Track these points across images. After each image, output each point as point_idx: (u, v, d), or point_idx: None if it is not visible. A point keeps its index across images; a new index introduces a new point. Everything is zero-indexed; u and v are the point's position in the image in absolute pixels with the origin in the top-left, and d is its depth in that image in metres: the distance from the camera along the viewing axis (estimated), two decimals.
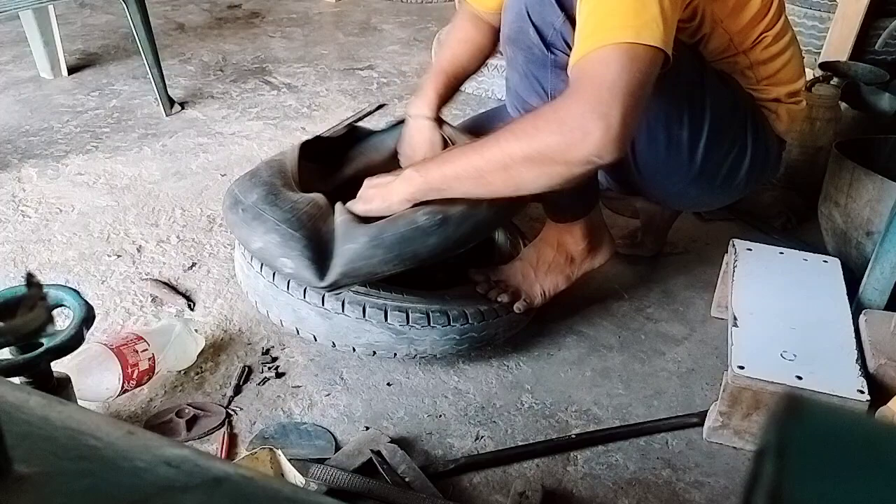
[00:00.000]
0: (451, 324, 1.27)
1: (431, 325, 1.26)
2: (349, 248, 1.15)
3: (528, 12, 1.18)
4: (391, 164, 1.57)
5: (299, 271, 1.16)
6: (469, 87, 2.55)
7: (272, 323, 1.37)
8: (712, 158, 1.32)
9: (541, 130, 1.03)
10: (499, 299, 1.34)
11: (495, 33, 1.43)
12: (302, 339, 1.35)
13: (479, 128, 1.58)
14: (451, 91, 1.44)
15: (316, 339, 1.31)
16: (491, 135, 1.10)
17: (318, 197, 1.27)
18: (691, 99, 1.26)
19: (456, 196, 1.15)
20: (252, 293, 1.36)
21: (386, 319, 1.25)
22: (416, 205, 1.18)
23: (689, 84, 1.25)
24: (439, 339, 1.28)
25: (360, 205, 1.22)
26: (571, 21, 1.13)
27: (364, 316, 1.24)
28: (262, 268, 1.29)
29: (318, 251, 1.17)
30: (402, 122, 1.53)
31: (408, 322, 1.25)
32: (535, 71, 1.22)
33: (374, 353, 1.30)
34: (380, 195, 1.20)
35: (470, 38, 1.45)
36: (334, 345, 1.30)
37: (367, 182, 1.25)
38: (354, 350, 1.30)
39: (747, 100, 1.35)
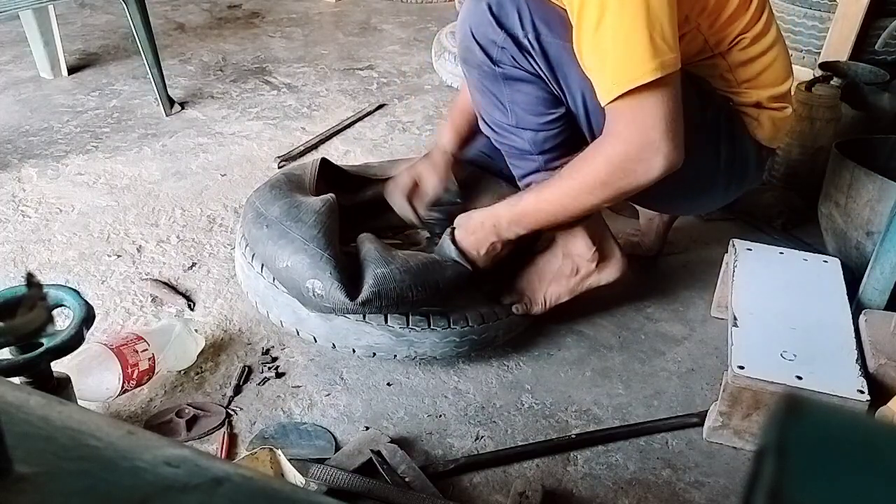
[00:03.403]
0: (451, 326, 1.27)
1: (431, 327, 1.26)
2: (381, 271, 1.20)
3: (472, 32, 1.22)
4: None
5: (331, 292, 1.18)
6: None
7: (272, 323, 1.37)
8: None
9: (609, 178, 1.14)
10: (505, 301, 1.36)
11: None
12: (302, 339, 1.35)
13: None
14: (469, 129, 1.49)
15: (316, 341, 1.31)
16: (559, 176, 1.20)
17: (331, 199, 1.31)
18: None
19: (534, 226, 1.26)
20: (252, 294, 1.36)
21: (386, 322, 1.25)
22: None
23: None
24: (439, 341, 1.28)
25: (465, 233, 1.28)
26: (512, 38, 1.18)
27: (364, 318, 1.24)
28: (262, 268, 1.29)
29: (345, 270, 1.20)
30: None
31: (408, 324, 1.25)
32: (490, 86, 1.26)
33: (374, 354, 1.30)
34: (488, 223, 1.26)
35: None
36: (334, 346, 1.30)
37: (463, 216, 1.32)
38: (354, 351, 1.30)
39: (721, 105, 1.32)
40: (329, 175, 1.50)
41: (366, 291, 1.19)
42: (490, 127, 1.31)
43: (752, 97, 1.32)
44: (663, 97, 1.08)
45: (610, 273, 1.42)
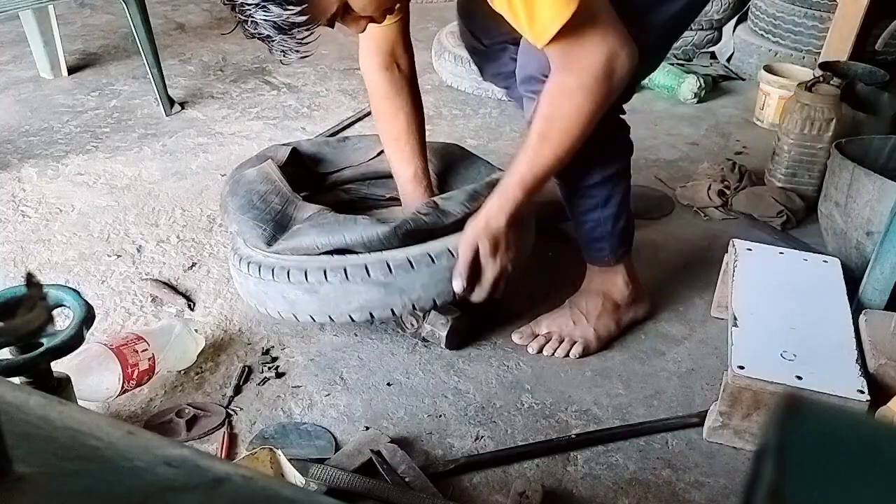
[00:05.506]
0: (435, 262, 1.23)
1: (415, 268, 1.23)
2: (297, 226, 1.30)
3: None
4: (373, 163, 1.63)
5: (250, 235, 1.31)
6: (469, 87, 2.55)
7: (272, 322, 1.37)
8: None
9: (584, 102, 1.12)
10: (556, 353, 1.40)
11: (411, 83, 1.56)
12: (302, 339, 1.35)
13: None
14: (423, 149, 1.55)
15: (314, 320, 1.29)
16: (532, 131, 1.18)
17: (266, 166, 1.45)
18: None
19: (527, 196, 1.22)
20: (248, 297, 1.36)
21: (369, 275, 1.22)
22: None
23: None
24: (429, 281, 1.24)
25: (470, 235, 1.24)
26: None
27: (347, 277, 1.23)
28: (248, 268, 1.29)
29: (271, 224, 1.32)
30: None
31: (390, 271, 1.22)
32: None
33: (372, 316, 1.27)
34: (483, 221, 1.23)
35: (399, 106, 1.55)
36: (331, 318, 1.28)
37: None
38: (352, 319, 1.27)
39: None
40: (298, 162, 1.57)
41: (280, 241, 1.29)
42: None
43: None
44: (595, 13, 1.07)
45: (643, 308, 1.52)
